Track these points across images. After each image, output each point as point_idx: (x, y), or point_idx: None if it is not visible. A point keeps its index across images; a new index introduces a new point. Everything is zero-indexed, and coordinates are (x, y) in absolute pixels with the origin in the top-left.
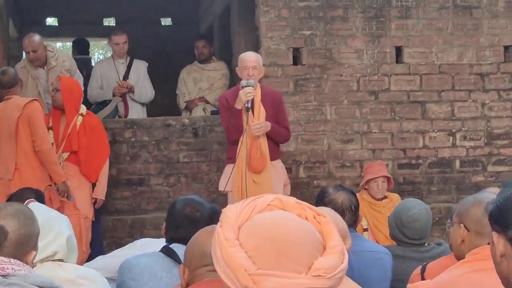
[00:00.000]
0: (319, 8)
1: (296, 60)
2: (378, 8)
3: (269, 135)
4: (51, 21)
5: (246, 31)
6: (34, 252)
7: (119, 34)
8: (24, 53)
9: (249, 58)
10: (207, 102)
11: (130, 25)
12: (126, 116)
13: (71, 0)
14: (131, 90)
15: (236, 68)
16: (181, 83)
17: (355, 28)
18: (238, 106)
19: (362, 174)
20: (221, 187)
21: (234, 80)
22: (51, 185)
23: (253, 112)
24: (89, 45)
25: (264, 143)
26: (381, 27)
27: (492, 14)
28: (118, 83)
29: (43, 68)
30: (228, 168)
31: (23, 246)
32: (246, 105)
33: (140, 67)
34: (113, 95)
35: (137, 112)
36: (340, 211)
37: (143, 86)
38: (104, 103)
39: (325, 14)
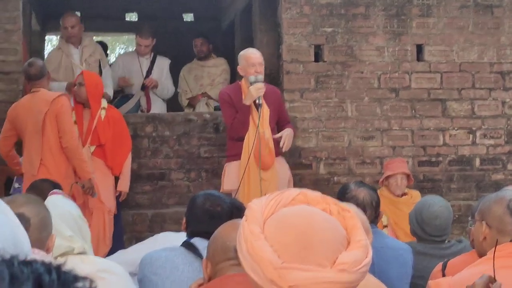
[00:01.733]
0: (340, 5)
1: (318, 57)
2: (399, 6)
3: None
4: None
5: (268, 27)
6: (54, 234)
7: (145, 37)
8: (59, 33)
9: (254, 56)
10: (210, 97)
11: (152, 21)
12: (148, 110)
13: None
14: (155, 86)
15: (238, 66)
16: (182, 81)
17: (376, 25)
18: (247, 102)
19: (382, 171)
20: (228, 186)
21: (235, 75)
22: (77, 182)
23: (258, 110)
24: (107, 47)
25: (270, 139)
26: (402, 25)
27: None
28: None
29: (77, 48)
30: (232, 165)
31: (46, 229)
32: (257, 101)
33: (163, 64)
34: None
35: (158, 107)
36: (362, 207)
37: (166, 83)
38: (127, 97)
39: (346, 12)
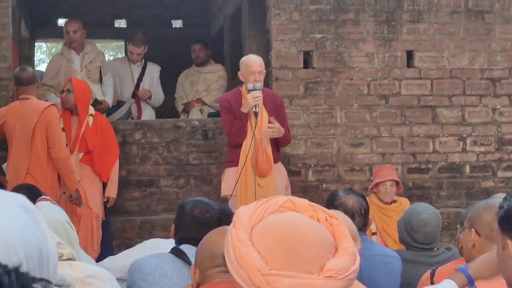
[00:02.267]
0: (330, 11)
1: (307, 64)
2: (389, 12)
3: (278, 139)
4: (62, 22)
5: (257, 33)
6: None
7: (137, 45)
8: (49, 40)
9: (255, 63)
10: (204, 103)
11: (141, 27)
12: (139, 118)
13: (83, 1)
14: (149, 97)
15: (239, 72)
16: (179, 86)
17: (366, 32)
18: (245, 109)
19: (372, 178)
20: (225, 191)
21: (232, 82)
22: (65, 193)
23: (255, 117)
24: None
25: (268, 146)
26: (392, 31)
27: (504, 19)
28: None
29: (79, 55)
30: (230, 171)
31: None
32: (254, 109)
33: (154, 71)
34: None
35: (148, 114)
36: (350, 214)
37: (156, 90)
38: (118, 105)
39: (336, 18)
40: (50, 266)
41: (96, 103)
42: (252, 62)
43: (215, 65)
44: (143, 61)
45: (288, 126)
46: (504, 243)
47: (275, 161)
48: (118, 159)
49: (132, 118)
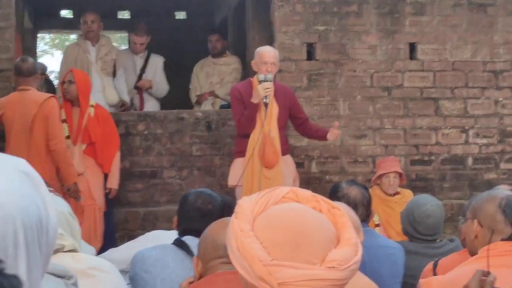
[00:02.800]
0: (333, 3)
1: (310, 55)
2: (392, 4)
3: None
4: (65, 13)
5: (260, 25)
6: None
7: (140, 35)
8: (52, 31)
9: (269, 54)
10: (217, 96)
11: (145, 18)
12: (141, 109)
13: None
14: (150, 87)
15: (252, 61)
16: (194, 77)
17: (369, 24)
18: (255, 100)
19: (375, 170)
20: (231, 182)
21: (247, 75)
22: (62, 185)
23: (265, 108)
24: None
25: (276, 138)
26: (395, 23)
27: (507, 12)
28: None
29: (94, 46)
30: (237, 162)
31: None
32: (264, 100)
33: (157, 62)
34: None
35: (152, 106)
36: (353, 205)
37: (159, 81)
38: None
39: (339, 10)
40: (49, 234)
41: (122, 105)
42: (266, 52)
43: (231, 57)
44: (146, 52)
45: (305, 114)
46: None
47: (284, 153)
48: (119, 150)
49: (134, 110)
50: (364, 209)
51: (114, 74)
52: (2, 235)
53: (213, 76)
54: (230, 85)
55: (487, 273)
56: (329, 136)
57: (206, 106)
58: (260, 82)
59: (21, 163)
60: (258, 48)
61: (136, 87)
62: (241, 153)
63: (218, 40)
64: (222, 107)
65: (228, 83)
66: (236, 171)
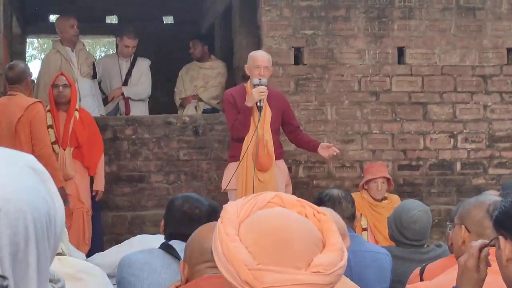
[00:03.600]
0: (321, 7)
1: (298, 60)
2: (380, 8)
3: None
4: (54, 18)
5: (248, 30)
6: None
7: (132, 38)
8: (41, 36)
9: (262, 58)
10: (201, 99)
11: (132, 23)
12: (127, 114)
13: None
14: (122, 94)
15: (245, 65)
16: (179, 80)
17: (357, 28)
18: (249, 103)
19: (362, 175)
20: (225, 185)
21: (233, 79)
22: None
23: (259, 112)
24: None
25: (270, 141)
26: (383, 28)
27: (496, 16)
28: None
29: (73, 51)
30: (231, 166)
31: None
32: (258, 104)
33: (142, 65)
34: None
35: (139, 110)
36: (337, 202)
37: (141, 82)
38: (105, 100)
39: (327, 14)
40: (57, 227)
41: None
42: (258, 57)
43: (216, 61)
44: (132, 57)
45: (297, 122)
46: (497, 243)
47: (277, 158)
48: (103, 152)
49: (120, 114)
50: (348, 203)
51: (94, 77)
52: (14, 230)
53: (198, 80)
54: (214, 89)
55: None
56: (324, 153)
57: (189, 109)
58: (254, 86)
59: (29, 159)
60: (251, 52)
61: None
62: (235, 157)
63: (196, 46)
64: (205, 111)
65: (212, 87)
66: (230, 175)
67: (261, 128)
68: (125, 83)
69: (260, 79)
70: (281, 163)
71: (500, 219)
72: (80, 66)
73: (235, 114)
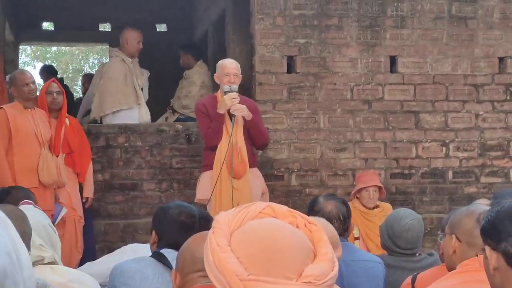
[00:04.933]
0: (314, 16)
1: (290, 68)
2: (373, 17)
3: (249, 130)
4: (47, 25)
5: (241, 38)
6: (28, 252)
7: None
8: (34, 43)
9: (230, 65)
10: (175, 110)
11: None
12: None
13: (67, 5)
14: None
15: (215, 74)
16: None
17: (349, 37)
18: (221, 110)
19: (355, 183)
20: (200, 196)
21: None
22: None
23: (231, 119)
24: (57, 72)
25: (243, 148)
26: (375, 36)
27: (487, 25)
28: None
29: (131, 62)
30: (206, 175)
31: None
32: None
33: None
34: None
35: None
36: (328, 220)
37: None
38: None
39: (319, 23)
40: (24, 271)
41: None
42: (228, 64)
43: (192, 70)
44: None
45: (265, 129)
46: (484, 253)
47: (251, 166)
48: (91, 159)
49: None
50: (340, 223)
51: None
52: None
53: (183, 88)
54: (184, 99)
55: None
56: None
57: (162, 119)
58: (225, 93)
59: None
60: (220, 61)
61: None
62: (208, 166)
63: (181, 56)
64: (178, 119)
65: (193, 96)
66: (205, 185)
67: (235, 136)
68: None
69: (230, 86)
70: (256, 171)
71: (486, 229)
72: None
73: (208, 122)
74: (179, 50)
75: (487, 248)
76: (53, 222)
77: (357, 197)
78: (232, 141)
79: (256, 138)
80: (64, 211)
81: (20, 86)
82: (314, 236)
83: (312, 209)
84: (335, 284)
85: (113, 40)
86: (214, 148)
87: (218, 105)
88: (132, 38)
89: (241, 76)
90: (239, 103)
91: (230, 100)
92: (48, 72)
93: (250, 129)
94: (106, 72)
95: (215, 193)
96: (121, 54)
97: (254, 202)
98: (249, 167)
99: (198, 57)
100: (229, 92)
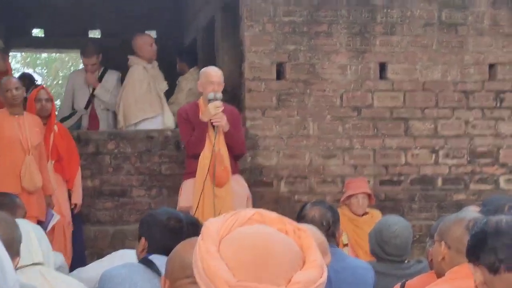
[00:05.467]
0: (303, 23)
1: (280, 75)
2: (362, 24)
3: (226, 140)
4: (37, 32)
5: (230, 45)
6: (18, 258)
7: (89, 56)
8: (23, 50)
9: (215, 74)
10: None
11: (115, 37)
12: (89, 129)
13: (57, 12)
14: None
15: (198, 81)
16: None
17: (339, 43)
18: (205, 118)
19: (344, 190)
20: (182, 203)
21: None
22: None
23: (213, 128)
24: (33, 78)
25: (226, 156)
26: (365, 43)
27: (477, 32)
28: None
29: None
30: (188, 183)
31: (10, 251)
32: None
33: (111, 77)
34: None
35: (107, 124)
36: (319, 225)
37: (114, 94)
38: (70, 114)
39: (309, 29)
40: (7, 277)
41: None
42: (212, 72)
43: (185, 75)
44: (101, 70)
45: (243, 139)
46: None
47: (233, 172)
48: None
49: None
50: (323, 229)
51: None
52: None
53: (172, 96)
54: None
55: None
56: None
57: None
58: (209, 101)
59: None
60: (203, 69)
61: (87, 107)
62: (192, 173)
63: (177, 63)
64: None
65: (179, 103)
66: (188, 192)
67: (217, 144)
68: (92, 96)
69: (215, 94)
70: (238, 177)
71: (468, 248)
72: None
73: (190, 130)
74: (175, 56)
75: (470, 266)
76: (44, 229)
77: (346, 204)
78: (215, 149)
79: (233, 148)
80: (56, 218)
81: (4, 91)
82: (303, 242)
83: (299, 215)
84: None
85: (102, 47)
86: (197, 156)
87: (200, 113)
88: (143, 42)
89: (223, 84)
90: (222, 111)
91: (214, 109)
92: (26, 79)
93: (226, 139)
94: (128, 82)
95: (196, 201)
96: (141, 61)
97: (243, 209)
98: (232, 174)
99: (192, 64)
100: (213, 100)
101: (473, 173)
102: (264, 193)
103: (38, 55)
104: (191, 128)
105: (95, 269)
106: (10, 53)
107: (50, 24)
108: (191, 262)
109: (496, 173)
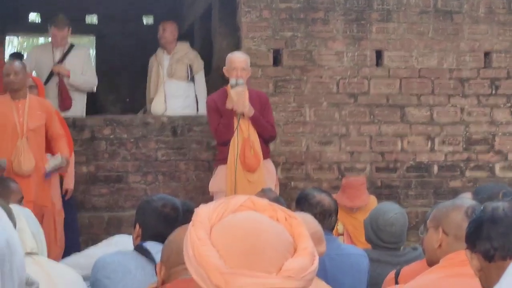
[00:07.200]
0: (300, 9)
1: (277, 61)
2: (359, 11)
3: (253, 125)
4: (34, 16)
5: (227, 31)
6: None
7: (60, 28)
8: (20, 34)
9: (238, 59)
10: None
11: (112, 22)
12: (64, 108)
13: None
14: (64, 75)
15: (224, 67)
16: None
17: (335, 30)
18: (229, 105)
19: (340, 176)
20: (212, 188)
21: (213, 80)
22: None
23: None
24: (23, 57)
25: (256, 141)
26: (361, 30)
27: (473, 20)
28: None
29: (169, 54)
30: (220, 169)
31: None
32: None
33: (80, 53)
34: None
35: (80, 108)
36: (328, 213)
37: (85, 73)
38: None
39: (306, 16)
40: (16, 255)
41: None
42: (234, 58)
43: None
44: (68, 45)
45: (273, 121)
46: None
47: (264, 157)
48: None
49: None
50: (335, 216)
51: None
52: None
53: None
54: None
55: None
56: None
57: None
58: (232, 87)
59: None
60: (228, 54)
61: (47, 82)
62: (222, 160)
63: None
64: None
65: None
66: (219, 178)
67: (246, 129)
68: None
69: (236, 80)
70: (268, 162)
71: (467, 236)
72: (170, 67)
73: (217, 118)
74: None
75: (467, 252)
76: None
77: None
78: (243, 135)
79: (261, 133)
80: (58, 160)
81: (4, 76)
82: (294, 230)
83: (305, 203)
84: (318, 277)
85: (99, 32)
86: (225, 143)
87: (227, 99)
88: (161, 28)
89: (250, 69)
90: (250, 97)
91: (237, 95)
92: (16, 58)
93: (253, 124)
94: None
95: (230, 187)
96: (159, 49)
97: (235, 195)
98: (263, 159)
99: None
100: (235, 86)
101: (468, 160)
102: None
103: (35, 40)
104: (219, 116)
105: (90, 254)
106: (7, 37)
107: (46, 9)
108: None
109: (492, 160)
